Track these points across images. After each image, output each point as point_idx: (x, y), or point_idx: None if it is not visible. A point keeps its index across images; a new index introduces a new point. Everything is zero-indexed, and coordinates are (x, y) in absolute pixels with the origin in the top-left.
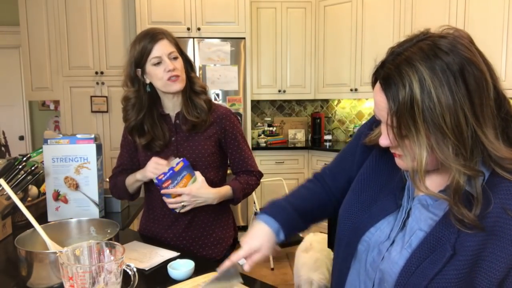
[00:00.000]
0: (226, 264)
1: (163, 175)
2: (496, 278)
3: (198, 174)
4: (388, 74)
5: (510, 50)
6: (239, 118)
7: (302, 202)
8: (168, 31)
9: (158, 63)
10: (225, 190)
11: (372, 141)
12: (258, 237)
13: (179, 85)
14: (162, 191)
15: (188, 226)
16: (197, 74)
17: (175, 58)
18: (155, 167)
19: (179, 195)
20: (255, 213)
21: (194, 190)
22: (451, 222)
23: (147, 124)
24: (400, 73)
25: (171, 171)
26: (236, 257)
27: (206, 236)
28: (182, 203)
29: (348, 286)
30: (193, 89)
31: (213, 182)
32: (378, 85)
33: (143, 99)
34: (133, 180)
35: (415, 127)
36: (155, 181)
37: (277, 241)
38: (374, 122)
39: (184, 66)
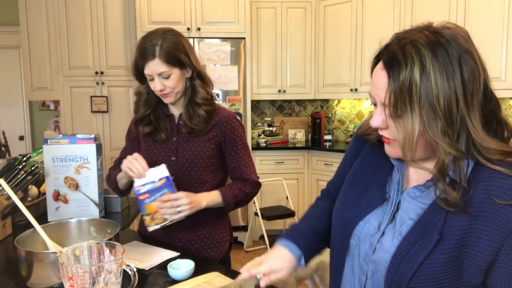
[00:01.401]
0: (245, 275)
1: (142, 187)
2: (484, 262)
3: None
4: (393, 53)
5: (510, 50)
6: (240, 119)
7: (319, 222)
8: (167, 36)
9: (152, 79)
10: (214, 195)
11: (364, 126)
12: (281, 260)
13: (169, 100)
14: (143, 200)
15: (184, 228)
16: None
17: (167, 77)
18: (129, 162)
19: (155, 212)
20: (255, 213)
21: (191, 194)
22: (438, 209)
23: (153, 116)
24: (404, 53)
25: (150, 184)
26: (256, 271)
27: (203, 239)
28: (179, 209)
29: (344, 283)
30: (193, 99)
31: (210, 185)
32: (379, 65)
33: (153, 96)
34: (121, 174)
35: (411, 105)
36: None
37: (297, 266)
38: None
39: (189, 75)
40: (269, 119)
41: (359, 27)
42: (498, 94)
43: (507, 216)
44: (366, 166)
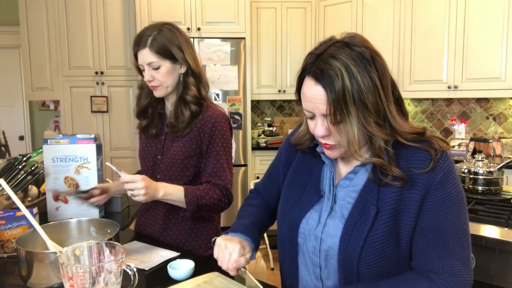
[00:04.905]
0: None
1: None
2: (412, 224)
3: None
4: (321, 69)
5: (510, 50)
6: (240, 119)
7: (259, 219)
8: (163, 29)
9: (143, 69)
10: (175, 188)
11: (297, 139)
12: (236, 242)
13: (158, 93)
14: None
15: (181, 228)
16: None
17: (156, 68)
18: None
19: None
20: None
21: (147, 179)
22: (371, 187)
23: (151, 110)
24: (331, 66)
25: None
26: (238, 264)
27: (201, 237)
28: (133, 192)
29: (301, 282)
30: (183, 96)
31: (178, 183)
32: (309, 82)
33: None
34: None
35: (347, 110)
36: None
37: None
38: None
39: (183, 71)
40: (269, 119)
41: (359, 27)
42: (498, 94)
43: (425, 182)
44: (300, 171)
